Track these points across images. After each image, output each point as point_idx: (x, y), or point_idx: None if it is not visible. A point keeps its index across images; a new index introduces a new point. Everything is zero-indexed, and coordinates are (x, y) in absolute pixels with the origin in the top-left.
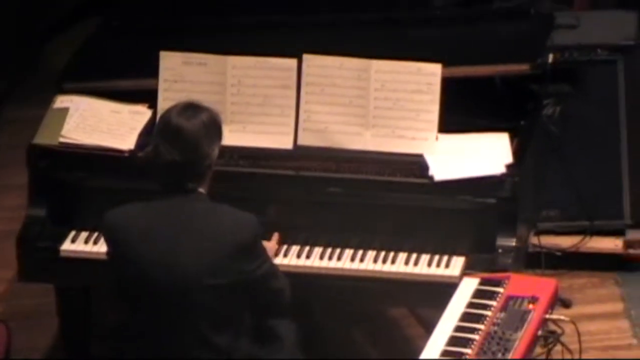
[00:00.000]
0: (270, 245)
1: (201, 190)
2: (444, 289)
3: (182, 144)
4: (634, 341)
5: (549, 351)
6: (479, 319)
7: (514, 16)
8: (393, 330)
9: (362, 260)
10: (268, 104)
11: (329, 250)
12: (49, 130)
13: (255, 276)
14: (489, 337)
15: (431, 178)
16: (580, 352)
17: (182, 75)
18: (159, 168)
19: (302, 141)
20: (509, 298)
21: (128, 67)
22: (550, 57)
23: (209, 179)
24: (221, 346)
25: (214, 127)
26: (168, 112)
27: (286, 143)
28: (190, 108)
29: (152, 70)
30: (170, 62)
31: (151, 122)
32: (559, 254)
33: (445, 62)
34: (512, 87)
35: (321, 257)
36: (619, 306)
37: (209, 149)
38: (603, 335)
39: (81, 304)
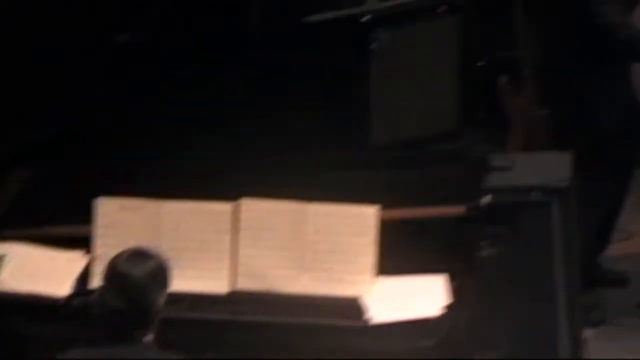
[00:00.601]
0: None
1: (148, 338)
2: None
3: (129, 291)
4: None
5: None
6: None
7: (449, 159)
8: None
9: None
10: (203, 249)
11: None
12: None
13: None
14: None
15: (369, 320)
16: None
17: (118, 221)
18: (104, 315)
19: (240, 285)
20: None
21: (64, 213)
22: (486, 200)
23: (155, 326)
24: None
25: (162, 275)
26: (116, 258)
27: (221, 287)
28: (139, 255)
29: (88, 216)
30: (106, 208)
31: (87, 269)
32: None
33: (383, 205)
34: (449, 229)
35: None
36: None
37: (156, 297)
38: None
39: None
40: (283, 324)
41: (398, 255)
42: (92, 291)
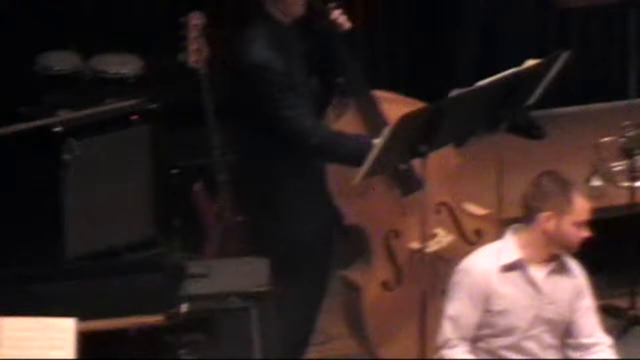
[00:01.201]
0: None
1: None
2: None
3: None
4: None
5: None
6: None
7: (145, 268)
8: None
9: None
10: None
11: None
12: None
13: None
14: None
15: None
16: None
17: None
18: None
19: None
20: None
21: None
22: (184, 307)
23: None
24: None
25: None
26: None
27: None
28: None
29: None
30: None
31: None
32: None
33: (80, 317)
34: (148, 339)
35: None
36: None
37: None
38: None
39: None
40: None
41: None
42: None
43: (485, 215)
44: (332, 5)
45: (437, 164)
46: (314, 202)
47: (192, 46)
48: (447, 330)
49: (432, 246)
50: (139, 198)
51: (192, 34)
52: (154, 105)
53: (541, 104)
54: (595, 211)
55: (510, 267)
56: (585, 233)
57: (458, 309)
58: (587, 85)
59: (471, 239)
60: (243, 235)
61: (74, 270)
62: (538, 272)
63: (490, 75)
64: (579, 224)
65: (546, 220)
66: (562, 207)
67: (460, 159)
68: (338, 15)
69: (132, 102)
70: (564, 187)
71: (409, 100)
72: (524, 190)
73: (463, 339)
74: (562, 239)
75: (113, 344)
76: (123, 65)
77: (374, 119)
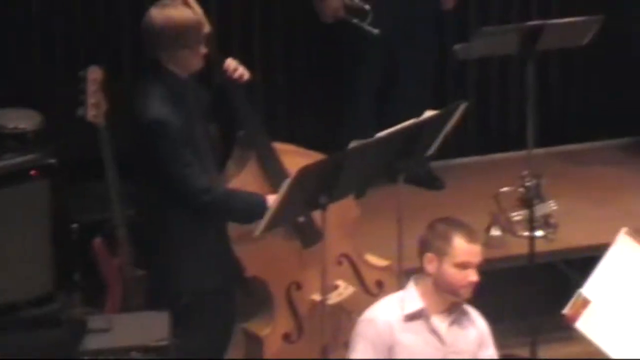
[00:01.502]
0: None
1: None
2: None
3: None
4: None
5: None
6: None
7: (45, 324)
8: None
9: None
10: None
11: None
12: None
13: None
14: None
15: None
16: None
17: None
18: None
19: None
20: None
21: None
22: None
23: None
24: None
25: None
26: None
27: None
28: None
29: None
30: None
31: None
32: None
33: None
34: None
35: None
36: None
37: None
38: None
39: None
40: None
41: None
42: None
43: (386, 266)
44: (231, 58)
45: (338, 215)
46: (213, 255)
47: (91, 100)
48: None
49: (334, 298)
50: (38, 253)
51: (91, 88)
52: (53, 160)
53: (440, 154)
54: (495, 261)
55: (413, 317)
56: (472, 277)
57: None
58: (485, 135)
59: (372, 290)
60: (144, 289)
61: None
62: (441, 322)
63: (389, 126)
64: (460, 266)
65: (428, 262)
66: (442, 248)
67: (360, 210)
68: (237, 68)
69: (31, 156)
70: (447, 229)
71: (309, 152)
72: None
73: None
74: (446, 282)
75: None
76: (22, 119)
77: (274, 171)
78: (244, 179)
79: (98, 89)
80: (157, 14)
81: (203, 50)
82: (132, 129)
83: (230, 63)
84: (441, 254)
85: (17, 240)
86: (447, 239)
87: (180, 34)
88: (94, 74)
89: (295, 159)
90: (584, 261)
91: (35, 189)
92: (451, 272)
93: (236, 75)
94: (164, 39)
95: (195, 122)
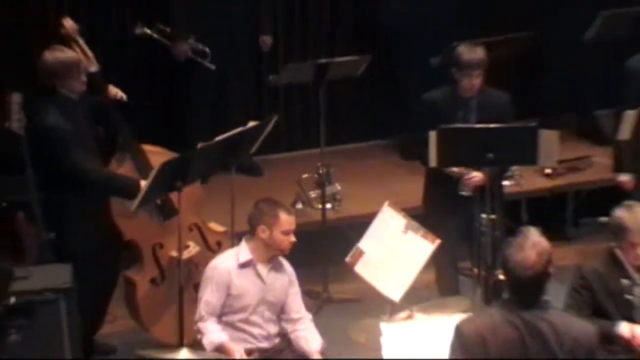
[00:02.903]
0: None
1: None
2: None
3: None
4: None
5: None
6: None
7: None
8: None
9: None
10: None
11: None
12: None
13: None
14: None
15: None
16: None
17: None
18: None
19: None
20: None
21: None
22: (12, 300)
23: None
24: None
25: None
26: None
27: None
28: None
29: None
30: None
31: None
32: None
33: None
34: None
35: None
36: None
37: None
38: None
39: None
40: None
41: None
42: None
43: (224, 231)
44: (112, 85)
45: (189, 196)
46: (97, 223)
47: (14, 116)
48: (202, 309)
49: (186, 254)
50: None
51: (14, 108)
52: None
53: (259, 151)
54: (299, 225)
55: (244, 265)
56: (292, 239)
57: (208, 295)
58: (291, 137)
59: (214, 249)
60: (52, 248)
61: None
62: (263, 269)
63: (223, 131)
64: (285, 233)
65: (262, 232)
66: (271, 221)
67: (205, 191)
68: (117, 92)
69: None
70: (273, 207)
71: (168, 152)
72: (249, 212)
73: (212, 315)
74: (275, 244)
75: None
76: None
77: (143, 166)
78: (123, 172)
79: (19, 109)
80: (49, 56)
81: (84, 79)
82: (32, 136)
83: (112, 89)
84: (270, 225)
85: None
86: (274, 214)
87: (66, 68)
88: (16, 99)
89: (158, 157)
90: (360, 225)
91: None
92: (280, 237)
93: (117, 97)
94: (56, 72)
95: (83, 128)
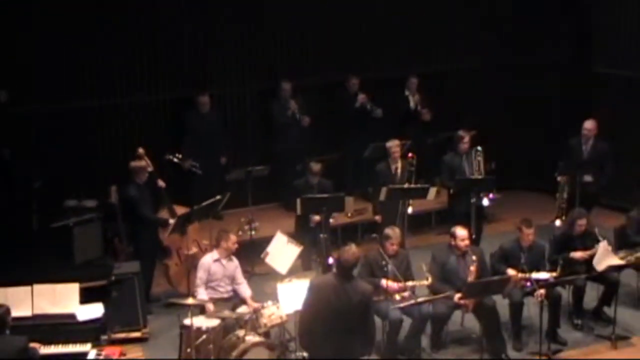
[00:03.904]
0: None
1: None
2: None
3: None
4: None
5: None
6: None
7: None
8: None
9: None
10: None
11: None
12: None
13: None
14: None
15: None
16: None
17: None
18: None
19: None
20: None
21: None
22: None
23: None
24: None
25: None
26: None
27: None
28: None
29: None
30: None
31: None
32: None
33: None
34: None
35: None
36: None
37: None
38: None
39: None
40: None
41: None
42: None
43: (208, 243)
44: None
45: (193, 227)
46: (151, 239)
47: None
48: (198, 280)
49: (191, 252)
50: None
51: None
52: None
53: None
54: (240, 240)
55: (215, 260)
56: (235, 246)
57: (200, 274)
58: (228, 202)
59: (204, 251)
60: (130, 253)
61: None
62: (224, 261)
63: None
64: (232, 243)
65: (223, 243)
66: (226, 238)
67: (202, 225)
68: (161, 182)
69: None
70: (226, 232)
71: (183, 207)
72: (217, 234)
73: (202, 283)
74: (229, 250)
75: None
76: None
77: (173, 213)
78: (163, 215)
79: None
80: (133, 164)
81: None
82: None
83: (160, 182)
84: (226, 240)
85: None
86: (227, 236)
87: (139, 170)
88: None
89: (179, 210)
90: (267, 240)
91: None
92: (230, 246)
93: (160, 184)
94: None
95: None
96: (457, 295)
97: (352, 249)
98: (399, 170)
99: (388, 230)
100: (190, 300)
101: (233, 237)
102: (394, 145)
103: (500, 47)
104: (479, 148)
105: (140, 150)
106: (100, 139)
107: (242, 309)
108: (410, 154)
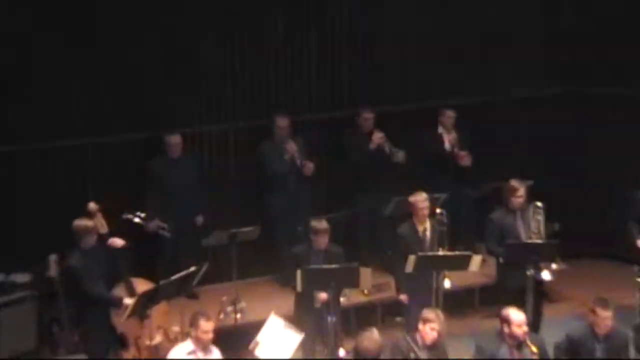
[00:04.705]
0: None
1: None
2: None
3: None
4: None
5: None
6: None
7: None
8: None
9: None
10: None
11: None
12: None
13: None
14: None
15: None
16: None
17: None
18: None
19: None
20: None
21: None
22: None
23: None
24: None
25: None
26: None
27: None
28: None
29: None
30: None
31: None
32: None
33: None
34: None
35: None
36: None
37: None
38: None
39: None
40: None
41: None
42: None
43: (179, 330)
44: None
45: (159, 308)
46: (102, 321)
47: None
48: None
49: (153, 342)
50: None
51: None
52: None
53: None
54: (222, 326)
55: (191, 352)
56: (210, 336)
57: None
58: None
59: (172, 340)
60: (75, 344)
61: None
62: (201, 353)
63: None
64: (204, 332)
65: (193, 331)
66: (196, 324)
67: (168, 306)
68: (119, 241)
69: None
70: (197, 316)
71: (146, 281)
72: (189, 318)
73: None
74: (200, 340)
75: None
76: None
77: (132, 290)
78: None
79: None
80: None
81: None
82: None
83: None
84: (196, 328)
85: None
86: (196, 322)
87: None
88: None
89: (141, 285)
90: (260, 323)
91: None
92: (200, 335)
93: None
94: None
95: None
96: None
97: (373, 336)
98: (427, 233)
99: (428, 313)
100: None
101: (204, 324)
102: (420, 199)
103: (573, 72)
104: (539, 204)
105: (92, 206)
106: (36, 191)
107: None
108: (438, 210)
